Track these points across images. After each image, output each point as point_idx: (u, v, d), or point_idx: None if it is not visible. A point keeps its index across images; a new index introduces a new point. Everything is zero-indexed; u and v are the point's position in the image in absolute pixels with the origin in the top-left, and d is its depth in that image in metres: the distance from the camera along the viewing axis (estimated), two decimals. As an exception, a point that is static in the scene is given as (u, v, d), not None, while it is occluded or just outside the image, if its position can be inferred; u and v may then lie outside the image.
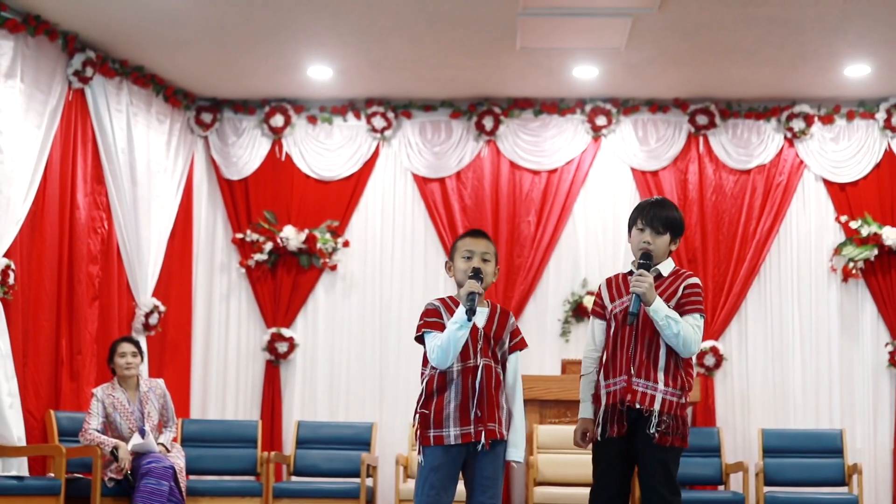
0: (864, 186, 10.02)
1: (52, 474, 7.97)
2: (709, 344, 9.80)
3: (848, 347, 9.90)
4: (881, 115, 9.96)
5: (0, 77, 8.15)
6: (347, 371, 10.09)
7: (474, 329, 4.92)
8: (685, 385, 5.02)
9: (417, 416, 4.97)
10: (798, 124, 10.03)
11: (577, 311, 9.93)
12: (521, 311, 9.98)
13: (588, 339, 5.24)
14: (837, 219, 10.01)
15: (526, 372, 9.35)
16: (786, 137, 10.09)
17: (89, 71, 8.95)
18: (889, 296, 9.83)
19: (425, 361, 5.00)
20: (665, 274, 5.10)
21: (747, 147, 10.11)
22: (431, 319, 4.96)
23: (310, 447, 9.44)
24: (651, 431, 4.94)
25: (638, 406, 4.94)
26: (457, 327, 4.82)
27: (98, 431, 8.17)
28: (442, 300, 5.03)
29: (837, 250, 9.94)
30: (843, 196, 10.04)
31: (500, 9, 8.27)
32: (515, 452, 4.99)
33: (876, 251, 9.82)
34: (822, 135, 10.08)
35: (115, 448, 8.04)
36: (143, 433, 8.19)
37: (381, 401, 9.99)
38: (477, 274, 4.91)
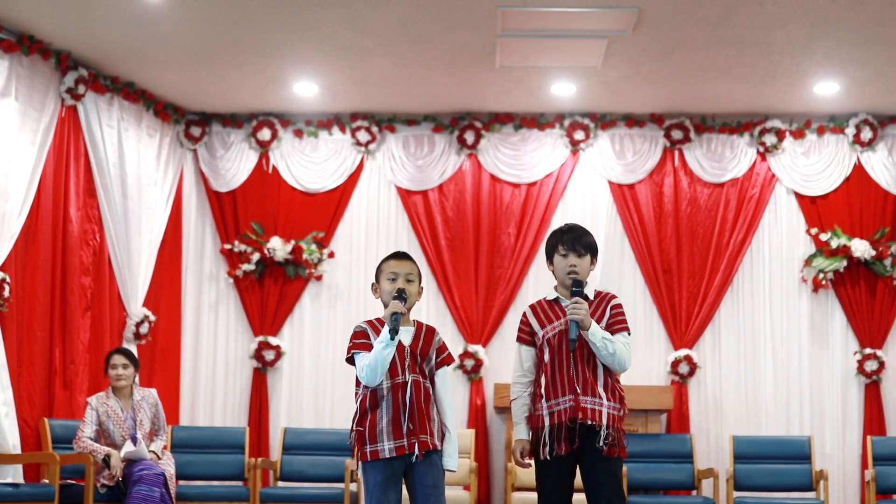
0: (833, 199, 10.31)
1: (47, 481, 8.21)
2: (683, 353, 10.08)
3: (818, 356, 10.19)
4: (850, 131, 10.25)
5: (-5, 95, 8.44)
6: (333, 378, 10.33)
7: (401, 347, 5.18)
8: (622, 399, 5.34)
9: (354, 434, 5.24)
10: (770, 139, 10.32)
11: (556, 321, 10.18)
12: (502, 320, 10.26)
13: (516, 366, 5.48)
14: (808, 231, 10.30)
15: (505, 380, 9.77)
16: (758, 152, 10.38)
17: (81, 88, 9.19)
18: (857, 306, 10.12)
19: (357, 382, 5.25)
20: (591, 297, 5.40)
21: (721, 161, 10.40)
22: (360, 341, 5.22)
23: (296, 453, 9.68)
24: (600, 445, 5.24)
25: (589, 422, 5.23)
26: (382, 346, 5.08)
27: (91, 439, 8.43)
28: (369, 322, 5.30)
29: (808, 262, 10.22)
30: (814, 209, 10.32)
31: (479, 30, 8.55)
32: (450, 462, 5.27)
33: (845, 262, 10.10)
34: (794, 149, 10.37)
35: (108, 455, 8.29)
36: (134, 441, 8.46)
37: (365, 408, 10.23)
38: (401, 294, 5.18)
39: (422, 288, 5.38)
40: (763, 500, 9.02)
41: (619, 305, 5.42)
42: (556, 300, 5.42)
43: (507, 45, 8.77)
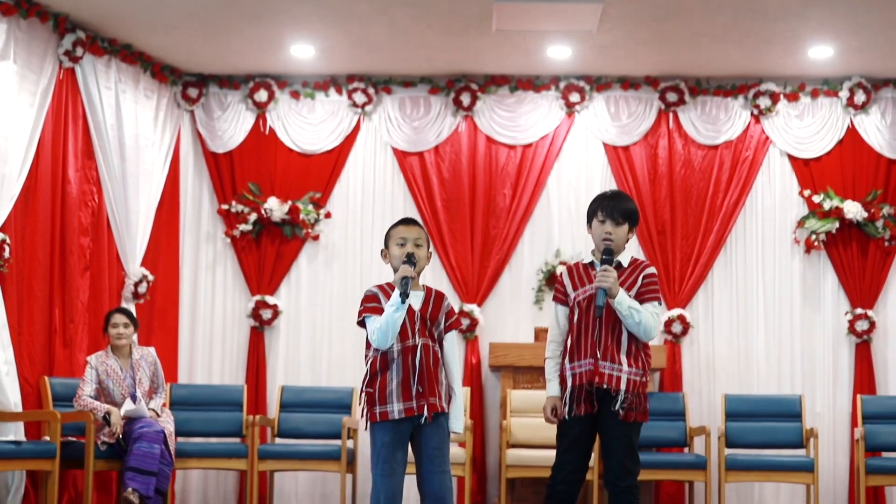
0: (827, 162, 10.38)
1: (48, 438, 8.34)
2: (676, 312, 10.18)
3: (809, 316, 10.29)
4: (844, 94, 10.32)
5: (-6, 58, 8.50)
6: (329, 337, 10.43)
7: (411, 311, 5.33)
8: (645, 365, 5.49)
9: (364, 395, 5.38)
10: (764, 102, 10.39)
11: (551, 281, 10.28)
12: (497, 280, 10.36)
13: (552, 325, 5.67)
14: (801, 193, 10.37)
15: (500, 339, 9.92)
16: (752, 114, 10.44)
17: (79, 51, 9.23)
18: (849, 267, 10.22)
19: (368, 344, 5.42)
20: (625, 264, 5.54)
21: (715, 123, 10.46)
22: (371, 304, 5.38)
23: (293, 410, 9.78)
24: (616, 409, 5.39)
25: (605, 387, 5.38)
26: (393, 310, 5.23)
27: (91, 397, 8.57)
28: (380, 286, 5.45)
29: (800, 223, 10.31)
30: (807, 171, 10.40)
31: (475, -6, 8.64)
32: (456, 423, 5.45)
33: (837, 224, 10.19)
34: (788, 112, 10.44)
35: (108, 413, 8.44)
36: (134, 399, 8.60)
37: (362, 365, 10.19)
38: (410, 259, 5.33)
39: (430, 253, 5.52)
40: (754, 457, 9.15)
41: (653, 275, 5.56)
42: (591, 264, 5.59)
43: (503, 9, 8.82)
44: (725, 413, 9.54)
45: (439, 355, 5.42)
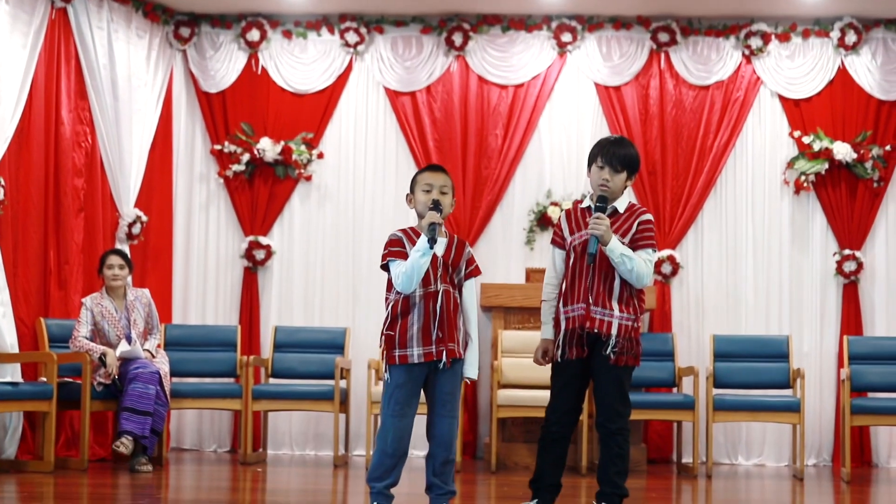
0: (817, 103, 10.41)
1: (45, 379, 8.44)
2: (666, 253, 10.26)
3: (798, 257, 10.38)
4: (835, 34, 10.33)
5: (-15, 0, 8.49)
6: (322, 277, 10.51)
7: (434, 257, 5.41)
8: (638, 310, 5.59)
9: (384, 337, 5.48)
10: (755, 42, 10.41)
11: (542, 221, 10.36)
12: (489, 221, 10.42)
13: (549, 268, 5.76)
14: (791, 134, 10.41)
15: (491, 280, 10.01)
16: (744, 54, 10.45)
17: (71, -10, 9.26)
18: (838, 208, 10.30)
19: (389, 287, 5.50)
20: (621, 210, 5.62)
21: (707, 63, 10.48)
22: (395, 249, 5.46)
23: (286, 351, 9.89)
24: (607, 353, 5.50)
25: (596, 331, 5.48)
26: (419, 255, 5.31)
27: (87, 339, 8.66)
28: (404, 231, 5.52)
29: (790, 164, 10.36)
30: (797, 112, 10.44)
31: (467, -65, 8.63)
32: (471, 370, 5.54)
33: (827, 165, 10.24)
34: (779, 52, 10.46)
35: (104, 354, 8.54)
36: (129, 340, 8.71)
37: (355, 306, 10.44)
38: (437, 206, 5.40)
39: (454, 200, 5.58)
40: (741, 397, 9.27)
41: (649, 221, 5.64)
42: (589, 208, 5.64)
43: (494, -51, 8.83)
44: (714, 353, 9.64)
45: (459, 301, 5.51)
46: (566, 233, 5.70)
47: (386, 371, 5.52)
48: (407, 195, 5.61)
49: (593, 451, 8.95)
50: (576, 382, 5.66)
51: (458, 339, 5.45)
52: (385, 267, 5.50)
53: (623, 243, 5.51)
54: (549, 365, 5.74)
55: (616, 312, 5.52)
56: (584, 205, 5.71)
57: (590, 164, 5.71)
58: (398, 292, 5.44)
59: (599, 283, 5.53)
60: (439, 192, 5.47)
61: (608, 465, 5.60)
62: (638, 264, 5.49)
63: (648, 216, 5.66)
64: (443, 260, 5.45)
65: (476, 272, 5.61)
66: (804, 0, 9.96)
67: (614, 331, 5.50)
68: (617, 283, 5.55)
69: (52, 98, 9.15)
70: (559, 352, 5.62)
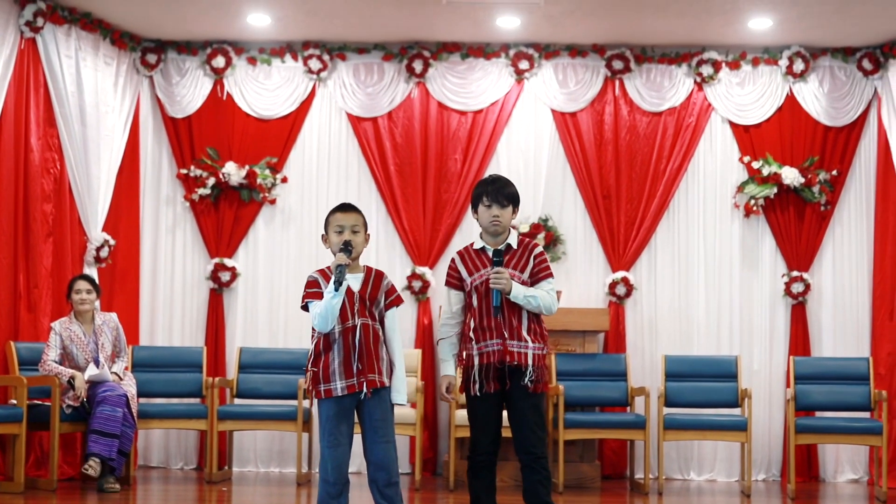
0: (766, 129, 10.75)
1: (14, 402, 8.67)
2: (620, 275, 10.57)
3: (748, 278, 10.71)
4: (784, 63, 10.67)
5: (-44, 32, 8.71)
6: (286, 299, 10.75)
7: (350, 293, 5.67)
8: (544, 339, 5.92)
9: (309, 374, 5.75)
10: (707, 70, 10.73)
11: (500, 244, 10.64)
12: (448, 243, 10.67)
13: (445, 308, 6.03)
14: (741, 159, 10.74)
15: (450, 301, 10.16)
16: (695, 82, 10.77)
17: (40, 21, 9.44)
18: (786, 231, 10.63)
19: (313, 327, 5.76)
20: (514, 245, 5.91)
21: (660, 90, 10.80)
22: (312, 290, 5.73)
23: (251, 372, 10.10)
24: (525, 382, 5.81)
25: (515, 363, 5.79)
26: (330, 297, 5.58)
27: (56, 362, 8.90)
28: (321, 271, 5.79)
29: (740, 188, 10.69)
30: (747, 137, 10.77)
31: (426, -29, 8.93)
32: (398, 396, 5.83)
33: (775, 189, 10.57)
34: (729, 80, 10.79)
35: (72, 378, 8.78)
36: (97, 363, 8.95)
37: (317, 327, 10.70)
38: (346, 247, 5.65)
39: (368, 235, 5.85)
40: (691, 416, 9.58)
41: (542, 253, 5.97)
42: (483, 249, 5.95)
43: (452, -16, 9.12)
44: (665, 373, 9.94)
45: (379, 333, 5.77)
46: (464, 274, 5.95)
47: (311, 405, 5.80)
48: (322, 235, 5.86)
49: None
50: (495, 413, 5.95)
51: (380, 369, 5.71)
52: (305, 308, 5.77)
53: (523, 280, 5.81)
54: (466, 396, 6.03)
55: (530, 343, 5.83)
56: (478, 246, 5.98)
57: (475, 205, 5.96)
58: (318, 332, 5.71)
59: (511, 318, 5.83)
60: (350, 231, 5.72)
61: (538, 489, 5.88)
62: (543, 298, 5.81)
63: (540, 248, 5.98)
64: (359, 294, 5.71)
65: (397, 301, 5.86)
66: (754, 29, 10.28)
67: (530, 361, 5.81)
68: (525, 315, 5.86)
69: (21, 126, 9.36)
70: (476, 386, 5.88)
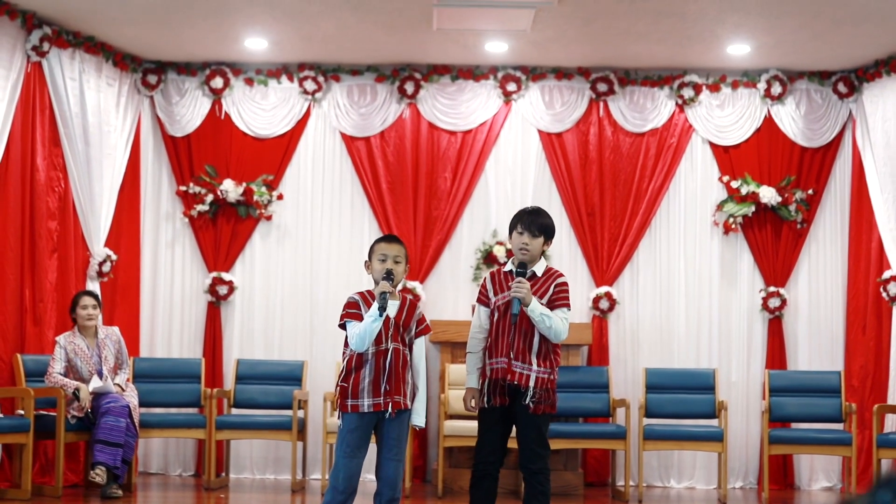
0: (745, 149, 11.13)
1: (22, 412, 9.05)
2: (604, 289, 10.96)
3: (727, 293, 11.10)
4: (762, 86, 11.07)
5: (-33, 57, 9.09)
6: (281, 312, 11.11)
7: (387, 318, 6.05)
8: (554, 364, 6.26)
9: (338, 388, 6.14)
10: (688, 92, 11.13)
11: (488, 259, 11.01)
12: (438, 259, 11.07)
13: (474, 323, 6.42)
14: (720, 178, 11.12)
15: (440, 315, 10.66)
16: (677, 104, 11.17)
17: (46, 45, 9.82)
18: (764, 248, 11.02)
19: (346, 343, 6.15)
20: (539, 274, 6.30)
21: (642, 112, 11.18)
22: (352, 311, 6.11)
23: (248, 383, 10.45)
24: (526, 402, 6.18)
25: (516, 383, 6.16)
26: (371, 320, 5.95)
27: (61, 374, 9.27)
28: (361, 294, 6.17)
29: (720, 206, 11.07)
30: (727, 157, 11.16)
31: (416, 0, 9.29)
32: (418, 419, 6.21)
33: (753, 208, 10.95)
34: (710, 102, 11.18)
35: (77, 389, 9.15)
36: (101, 375, 9.32)
37: (312, 340, 11.04)
38: (389, 275, 6.04)
39: (408, 267, 6.25)
40: (669, 427, 9.96)
41: (564, 283, 6.31)
42: (511, 272, 6.32)
43: (442, 12, 9.51)
44: (646, 385, 10.33)
45: (408, 358, 6.15)
46: (491, 293, 6.37)
47: (339, 417, 6.19)
48: (365, 262, 6.25)
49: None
50: (499, 426, 6.34)
51: (405, 392, 6.11)
52: (342, 326, 6.16)
53: (541, 304, 6.19)
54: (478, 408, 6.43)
55: (534, 367, 6.19)
56: (507, 269, 6.38)
57: (511, 231, 6.40)
58: (353, 350, 6.11)
59: (520, 339, 6.20)
60: (393, 261, 6.12)
61: (532, 501, 6.29)
62: (556, 322, 6.17)
63: (563, 279, 6.35)
64: (394, 321, 6.10)
65: (426, 331, 6.26)
66: (733, 53, 10.67)
67: (532, 383, 6.18)
68: (536, 339, 6.22)
69: (27, 146, 9.73)
70: (485, 399, 6.29)
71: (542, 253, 6.37)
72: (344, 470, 6.10)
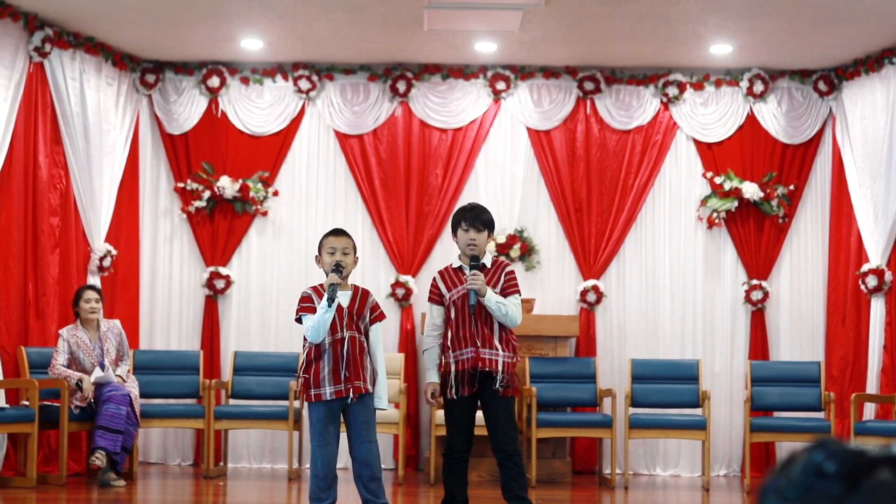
0: (728, 146, 11.42)
1: (26, 403, 9.34)
2: (591, 283, 11.24)
3: (710, 286, 11.38)
4: (744, 84, 11.36)
5: (-28, 59, 9.36)
6: (277, 305, 11.38)
7: (340, 309, 6.38)
8: (515, 348, 6.64)
9: (301, 380, 6.46)
10: (672, 90, 11.41)
11: (478, 254, 11.31)
12: (429, 254, 11.34)
13: (429, 322, 6.76)
14: (704, 174, 11.41)
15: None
16: (662, 102, 11.44)
17: (48, 46, 10.08)
18: (746, 242, 11.32)
19: (305, 337, 6.46)
20: (488, 265, 6.63)
21: (628, 110, 11.46)
22: (306, 305, 6.46)
23: (245, 374, 10.69)
24: (496, 387, 6.52)
25: (487, 370, 6.49)
26: (322, 312, 6.29)
27: (64, 366, 9.56)
28: (314, 288, 6.52)
29: (703, 202, 11.34)
30: (710, 154, 11.44)
31: (407, 3, 9.58)
32: (380, 402, 6.57)
33: (736, 203, 11.24)
34: (694, 100, 11.46)
35: (80, 380, 9.44)
36: (102, 367, 9.61)
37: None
38: (338, 267, 6.37)
39: (357, 258, 6.56)
40: (654, 416, 10.26)
41: (513, 272, 6.70)
42: (460, 268, 6.67)
43: (433, 14, 9.81)
44: (632, 376, 10.63)
45: (364, 345, 6.48)
46: (443, 290, 6.69)
47: (301, 407, 6.51)
48: (315, 256, 6.58)
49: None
50: (470, 414, 6.69)
51: (365, 377, 6.43)
52: (299, 320, 6.47)
53: (495, 293, 6.50)
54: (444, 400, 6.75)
55: (500, 351, 6.55)
56: (456, 266, 6.72)
57: (455, 229, 6.73)
58: (310, 342, 6.42)
59: (483, 328, 6.54)
60: (342, 253, 6.44)
61: (512, 484, 6.60)
62: (511, 309, 6.52)
63: (511, 267, 6.75)
64: (348, 310, 6.42)
65: (380, 317, 6.59)
66: (716, 53, 10.97)
67: (500, 367, 6.52)
68: (496, 326, 6.58)
69: (30, 145, 10.00)
70: (453, 390, 6.59)
71: (486, 245, 6.70)
72: (321, 457, 6.44)
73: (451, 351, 6.61)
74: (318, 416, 6.43)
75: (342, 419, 6.52)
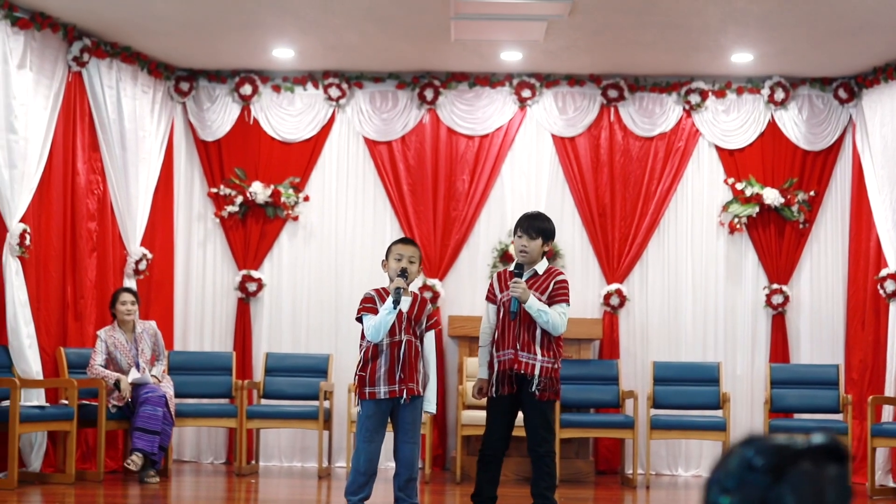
0: (749, 152, 11.60)
1: (65, 402, 9.64)
2: (615, 286, 11.45)
3: (732, 290, 11.56)
4: (766, 92, 11.54)
5: (14, 69, 9.55)
6: (308, 308, 11.63)
7: (400, 313, 6.64)
8: (557, 354, 6.83)
9: (357, 377, 6.73)
10: (694, 98, 11.60)
11: (504, 258, 11.50)
12: (456, 258, 11.57)
13: (484, 319, 7.00)
14: (726, 180, 11.58)
15: (458, 311, 11.23)
16: (684, 109, 11.63)
17: (86, 56, 10.38)
18: (767, 247, 11.51)
19: (363, 335, 6.74)
20: (541, 272, 6.85)
21: (651, 117, 11.65)
22: (368, 305, 6.71)
23: (276, 375, 10.95)
24: (532, 390, 6.74)
25: (522, 372, 6.71)
26: (386, 313, 6.55)
27: (102, 367, 9.86)
28: (377, 290, 6.77)
29: (725, 207, 11.52)
30: (732, 160, 11.63)
31: (435, 13, 9.82)
32: (430, 406, 6.81)
33: (757, 209, 11.41)
34: (715, 107, 11.65)
35: (117, 381, 9.74)
36: (138, 367, 9.91)
37: (337, 334, 11.52)
38: (403, 273, 6.63)
39: (420, 268, 6.83)
40: (676, 417, 10.48)
41: (563, 281, 6.86)
42: (512, 272, 6.87)
43: (460, 24, 10.05)
44: (654, 378, 10.84)
45: (420, 349, 6.75)
46: (497, 291, 6.94)
47: (357, 404, 6.77)
48: (382, 261, 6.83)
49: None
50: (508, 414, 6.91)
51: (418, 380, 6.70)
52: (359, 319, 6.73)
53: (541, 300, 6.71)
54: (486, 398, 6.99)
55: (539, 356, 6.75)
56: (511, 268, 6.95)
57: (514, 235, 6.95)
58: (369, 341, 6.68)
59: (524, 332, 6.75)
60: (408, 261, 6.71)
61: (539, 482, 6.85)
62: (552, 317, 6.70)
63: (563, 277, 6.91)
64: (407, 315, 6.68)
65: (435, 325, 6.86)
66: (738, 61, 11.16)
67: (537, 371, 6.73)
68: (538, 331, 6.78)
69: (69, 152, 10.29)
70: (493, 389, 6.84)
71: (543, 254, 6.90)
72: (364, 453, 6.69)
73: (494, 350, 6.85)
74: (368, 413, 6.70)
75: (389, 419, 6.79)
